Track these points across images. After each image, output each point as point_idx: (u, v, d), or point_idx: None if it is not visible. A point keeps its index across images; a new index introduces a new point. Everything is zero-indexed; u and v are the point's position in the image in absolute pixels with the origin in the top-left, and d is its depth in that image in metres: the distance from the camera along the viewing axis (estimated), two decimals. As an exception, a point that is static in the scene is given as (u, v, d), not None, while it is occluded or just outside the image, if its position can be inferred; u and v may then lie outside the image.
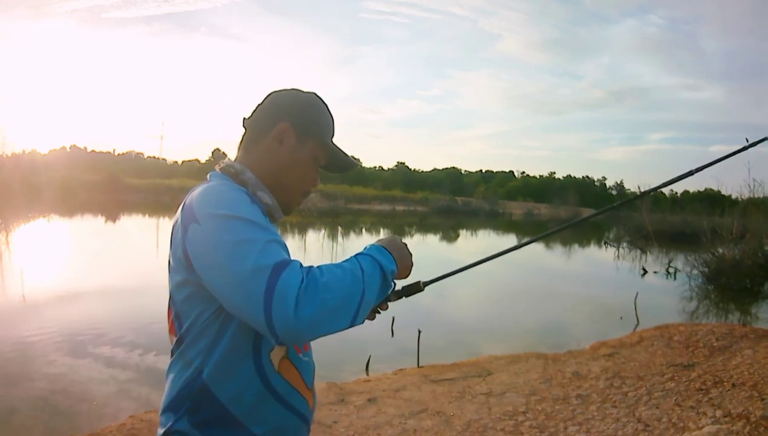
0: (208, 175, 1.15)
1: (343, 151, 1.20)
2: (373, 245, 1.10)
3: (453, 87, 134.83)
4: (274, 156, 1.13)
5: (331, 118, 1.20)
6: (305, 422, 1.12)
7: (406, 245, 1.17)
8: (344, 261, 1.01)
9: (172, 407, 1.04)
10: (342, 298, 0.92)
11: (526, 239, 1.53)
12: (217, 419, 1.01)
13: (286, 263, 0.90)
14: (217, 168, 1.15)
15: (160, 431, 1.06)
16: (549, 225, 34.26)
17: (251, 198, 1.03)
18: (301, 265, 0.92)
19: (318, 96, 1.19)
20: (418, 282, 1.26)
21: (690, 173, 1.49)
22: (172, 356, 1.07)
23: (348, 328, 0.95)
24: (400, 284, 1.21)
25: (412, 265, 1.16)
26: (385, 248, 1.08)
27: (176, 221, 1.05)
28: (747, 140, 1.48)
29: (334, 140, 1.21)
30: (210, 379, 1.01)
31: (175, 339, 1.06)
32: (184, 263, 0.99)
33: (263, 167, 1.13)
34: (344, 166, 1.24)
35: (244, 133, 1.18)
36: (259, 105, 1.18)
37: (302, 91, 1.19)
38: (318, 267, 0.94)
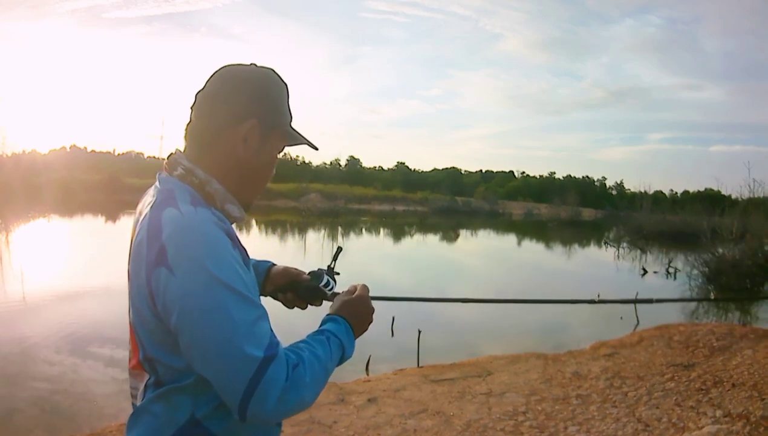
0: (158, 179, 1.00)
1: (302, 136, 1.10)
2: (343, 323, 1.06)
3: (453, 87, 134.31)
4: (239, 157, 1.01)
5: (288, 94, 1.09)
6: (281, 426, 1.13)
7: (367, 303, 1.14)
8: (321, 346, 0.97)
9: None
10: (313, 396, 0.92)
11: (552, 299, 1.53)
12: None
13: (273, 354, 0.85)
14: (173, 173, 0.99)
15: None
16: (549, 225, 34.24)
17: (226, 229, 0.92)
18: (286, 355, 0.88)
19: (275, 72, 1.07)
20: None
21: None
22: (143, 393, 0.95)
23: None
24: (340, 288, 1.25)
25: (366, 328, 1.14)
26: (351, 328, 1.07)
27: (135, 243, 0.94)
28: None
29: (291, 114, 1.11)
30: (209, 422, 0.94)
31: (146, 377, 0.95)
32: (150, 307, 0.90)
33: (226, 170, 1.01)
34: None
35: (191, 120, 1.03)
36: (209, 83, 1.02)
37: (259, 69, 1.05)
38: (302, 363, 0.90)
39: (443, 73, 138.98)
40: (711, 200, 23.47)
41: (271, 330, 0.89)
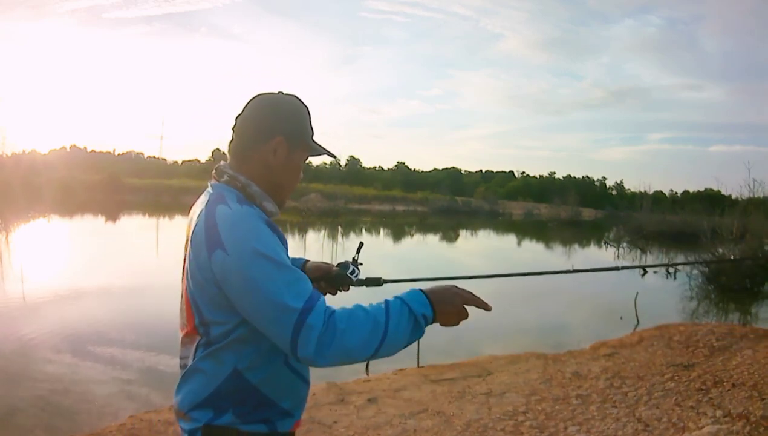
0: (209, 185, 1.26)
1: (323, 147, 1.35)
2: (413, 289, 1.21)
3: (453, 87, 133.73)
4: (271, 166, 1.26)
5: (309, 115, 1.33)
6: (309, 384, 1.32)
7: (460, 292, 1.22)
8: (379, 303, 1.14)
9: (209, 404, 1.17)
10: (358, 343, 1.08)
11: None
12: (257, 405, 1.18)
13: (311, 306, 1.06)
14: (221, 179, 1.25)
15: (193, 425, 1.17)
16: (549, 225, 34.25)
17: (265, 219, 1.16)
18: (324, 306, 1.08)
19: (299, 99, 1.32)
20: (380, 278, 1.48)
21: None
22: (194, 354, 1.18)
23: (368, 360, 1.14)
24: (364, 274, 1.49)
25: (460, 310, 1.21)
26: (423, 293, 1.19)
27: (194, 232, 1.16)
28: None
29: (313, 130, 1.36)
30: (249, 374, 1.16)
31: (198, 338, 1.18)
32: (211, 280, 1.12)
33: (261, 176, 1.26)
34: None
35: (233, 139, 1.29)
36: (246, 109, 1.28)
37: (285, 96, 1.31)
38: (342, 311, 1.09)
39: (443, 73, 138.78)
40: (711, 200, 23.49)
41: (314, 289, 1.11)
